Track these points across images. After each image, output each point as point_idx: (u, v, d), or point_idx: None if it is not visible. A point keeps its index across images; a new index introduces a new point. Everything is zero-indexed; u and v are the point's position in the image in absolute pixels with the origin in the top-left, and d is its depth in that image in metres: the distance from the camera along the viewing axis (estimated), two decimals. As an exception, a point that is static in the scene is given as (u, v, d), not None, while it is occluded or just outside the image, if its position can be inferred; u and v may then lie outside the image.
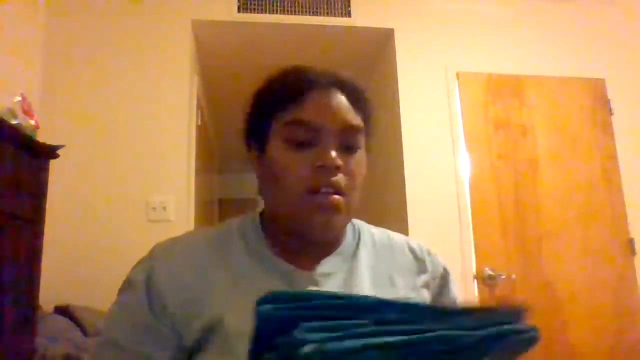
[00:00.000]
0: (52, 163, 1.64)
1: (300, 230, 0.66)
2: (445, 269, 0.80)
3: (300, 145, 0.66)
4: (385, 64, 2.93)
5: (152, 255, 0.68)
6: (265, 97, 0.71)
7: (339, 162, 0.64)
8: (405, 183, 2.54)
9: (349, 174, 0.66)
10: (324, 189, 0.64)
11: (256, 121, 0.71)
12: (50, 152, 1.63)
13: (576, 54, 2.85)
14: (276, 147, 0.67)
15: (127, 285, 0.66)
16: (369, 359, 0.38)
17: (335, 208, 0.64)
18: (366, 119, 0.71)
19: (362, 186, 0.70)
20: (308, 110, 0.66)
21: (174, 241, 0.70)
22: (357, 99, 0.70)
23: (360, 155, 0.69)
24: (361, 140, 0.70)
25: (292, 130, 0.66)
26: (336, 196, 0.64)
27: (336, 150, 0.65)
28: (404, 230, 2.48)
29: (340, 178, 0.65)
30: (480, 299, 2.43)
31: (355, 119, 0.68)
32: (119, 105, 2.42)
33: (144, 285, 0.64)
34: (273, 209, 0.71)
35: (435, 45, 2.76)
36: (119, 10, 2.55)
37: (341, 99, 0.68)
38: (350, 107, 0.69)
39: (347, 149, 0.67)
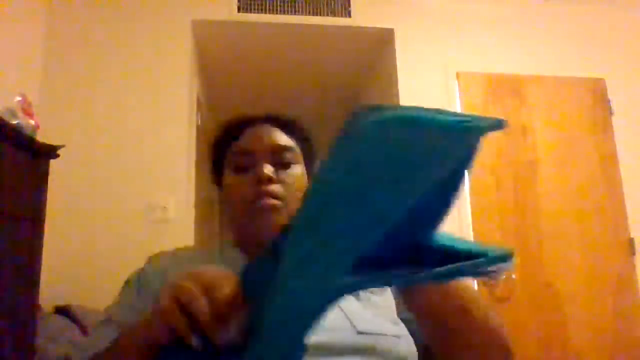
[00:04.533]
0: (52, 163, 1.64)
1: (252, 235, 0.77)
2: None
3: (242, 169, 0.79)
4: (385, 64, 2.93)
5: (145, 263, 0.82)
6: (218, 140, 0.87)
7: (269, 173, 0.76)
8: (405, 183, 2.54)
9: (285, 184, 0.78)
10: (261, 197, 0.76)
11: (215, 162, 0.87)
12: (50, 152, 1.63)
13: (576, 54, 2.85)
14: (227, 176, 0.82)
15: (124, 284, 0.79)
16: None
17: (272, 209, 0.75)
18: (300, 142, 0.85)
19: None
20: (244, 140, 0.81)
21: (163, 252, 0.85)
22: (289, 127, 0.85)
23: (295, 170, 0.81)
24: (295, 157, 0.82)
25: (235, 159, 0.81)
26: (272, 200, 0.75)
27: (272, 167, 0.78)
28: (404, 230, 2.47)
29: (275, 187, 0.76)
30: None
31: (284, 140, 0.82)
32: (119, 105, 2.42)
33: (136, 278, 0.78)
34: (232, 226, 0.83)
35: (435, 45, 2.76)
36: (119, 11, 2.55)
37: (271, 128, 0.83)
38: (281, 132, 0.83)
39: (282, 165, 0.80)
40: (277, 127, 0.83)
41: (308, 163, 0.85)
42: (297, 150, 0.83)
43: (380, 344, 0.63)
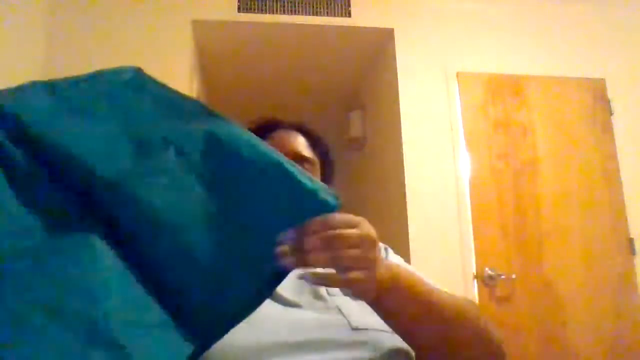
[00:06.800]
0: (52, 163, 1.64)
1: None
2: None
3: None
4: (385, 64, 2.93)
5: None
6: None
7: None
8: (405, 183, 2.54)
9: None
10: None
11: None
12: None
13: (576, 54, 2.85)
14: None
15: None
16: None
17: None
18: (321, 158, 0.88)
19: None
20: (270, 141, 0.81)
21: None
22: (315, 141, 0.88)
23: None
24: (313, 171, 0.84)
25: None
26: None
27: None
28: (404, 230, 2.48)
29: None
30: (480, 298, 2.43)
31: (307, 152, 0.84)
32: (119, 105, 2.42)
33: None
34: None
35: (435, 45, 2.76)
36: (119, 11, 2.55)
37: (298, 137, 0.85)
38: (307, 144, 0.86)
39: None
40: (304, 138, 0.86)
41: (324, 181, 0.88)
42: (317, 165, 0.86)
43: (374, 339, 0.64)
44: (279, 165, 0.51)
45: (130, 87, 0.54)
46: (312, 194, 0.50)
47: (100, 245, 0.44)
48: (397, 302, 0.58)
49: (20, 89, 0.53)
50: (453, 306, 0.64)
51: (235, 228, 0.49)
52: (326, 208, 0.50)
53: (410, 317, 0.60)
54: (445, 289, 0.67)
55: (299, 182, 0.50)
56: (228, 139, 0.53)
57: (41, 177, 0.46)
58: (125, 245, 0.45)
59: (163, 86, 0.58)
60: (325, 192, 0.51)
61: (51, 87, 0.52)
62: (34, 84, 0.53)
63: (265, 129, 0.86)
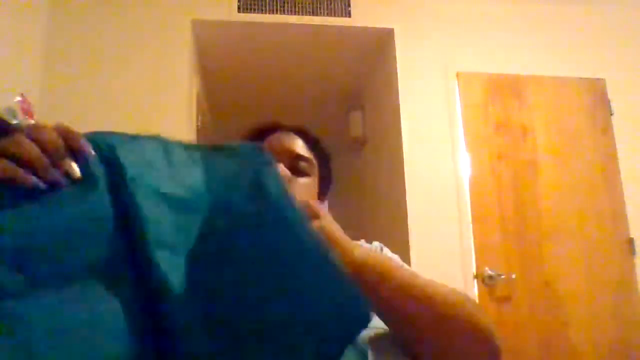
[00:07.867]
0: (52, 163, 1.64)
1: None
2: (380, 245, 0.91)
3: None
4: (385, 64, 2.93)
5: None
6: (244, 140, 0.90)
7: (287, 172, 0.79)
8: (405, 183, 2.55)
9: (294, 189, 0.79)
10: None
11: None
12: (50, 152, 1.62)
13: (576, 54, 2.85)
14: None
15: None
16: None
17: None
18: (319, 160, 0.89)
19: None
20: (267, 142, 0.85)
21: None
22: (312, 142, 0.89)
23: (306, 181, 0.84)
24: (310, 169, 0.86)
25: None
26: None
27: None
28: (404, 231, 2.48)
29: None
30: (480, 299, 2.43)
31: (304, 151, 0.86)
32: (119, 106, 2.42)
33: None
34: None
35: (435, 45, 2.76)
36: (118, 11, 2.55)
37: (296, 138, 0.87)
38: (304, 145, 0.87)
39: (296, 172, 0.83)
40: (303, 140, 0.87)
41: (321, 184, 0.89)
42: (315, 165, 0.87)
43: (375, 336, 0.64)
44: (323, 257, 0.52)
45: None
46: (355, 299, 0.52)
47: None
48: (369, 280, 0.59)
49: (144, 150, 0.55)
50: (442, 296, 0.62)
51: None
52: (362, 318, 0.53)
53: (386, 300, 0.61)
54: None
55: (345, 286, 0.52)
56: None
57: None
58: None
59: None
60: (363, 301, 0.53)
61: (168, 153, 0.57)
62: (156, 144, 0.57)
63: (265, 132, 0.88)
